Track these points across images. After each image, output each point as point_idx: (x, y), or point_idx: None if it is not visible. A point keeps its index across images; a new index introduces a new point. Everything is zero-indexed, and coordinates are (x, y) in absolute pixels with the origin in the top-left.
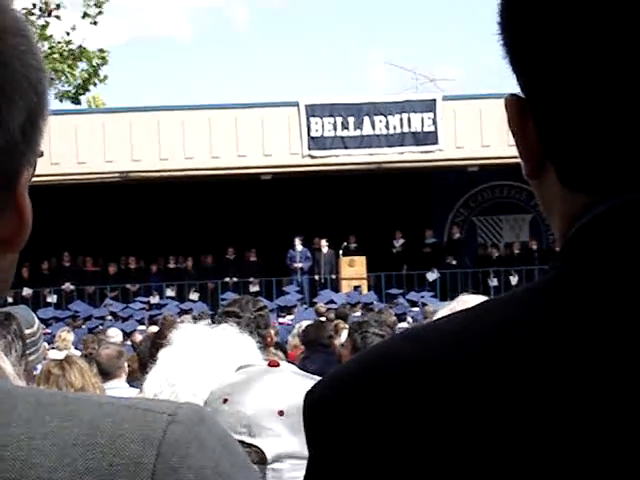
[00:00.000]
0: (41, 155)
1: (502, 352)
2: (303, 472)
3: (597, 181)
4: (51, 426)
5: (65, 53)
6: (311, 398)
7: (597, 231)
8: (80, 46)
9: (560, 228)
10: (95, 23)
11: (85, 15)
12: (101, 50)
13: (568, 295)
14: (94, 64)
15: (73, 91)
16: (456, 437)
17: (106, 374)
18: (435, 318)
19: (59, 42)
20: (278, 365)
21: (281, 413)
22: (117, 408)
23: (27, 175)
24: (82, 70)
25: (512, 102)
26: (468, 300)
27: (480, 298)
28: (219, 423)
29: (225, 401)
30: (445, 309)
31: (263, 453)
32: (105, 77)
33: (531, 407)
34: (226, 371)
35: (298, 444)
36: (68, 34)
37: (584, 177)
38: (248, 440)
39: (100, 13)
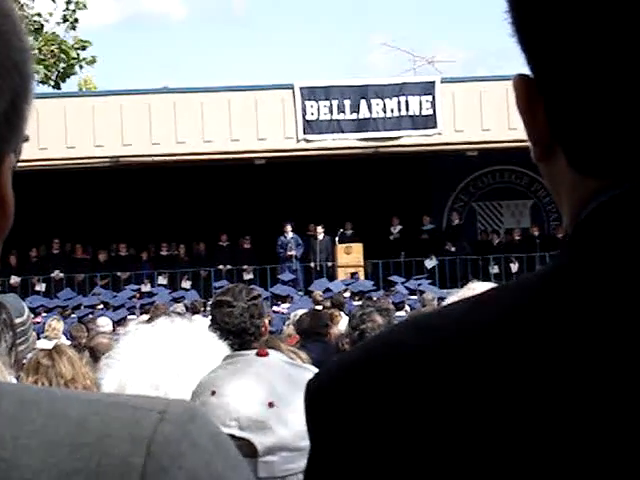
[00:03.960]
0: (27, 140)
1: (505, 341)
2: (295, 464)
3: (608, 165)
4: (37, 424)
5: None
6: (313, 387)
7: (606, 217)
8: (60, 44)
9: (569, 214)
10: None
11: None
12: (81, 40)
13: (575, 284)
14: (74, 56)
15: (54, 79)
16: (460, 426)
17: None
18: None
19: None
20: (267, 354)
21: (271, 405)
22: (105, 406)
23: (9, 162)
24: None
25: (520, 83)
26: (477, 287)
27: (490, 285)
28: (211, 420)
29: (213, 393)
30: (454, 297)
31: (254, 446)
32: (93, 59)
33: (532, 398)
34: (202, 364)
35: (289, 436)
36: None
37: (595, 161)
38: (238, 434)
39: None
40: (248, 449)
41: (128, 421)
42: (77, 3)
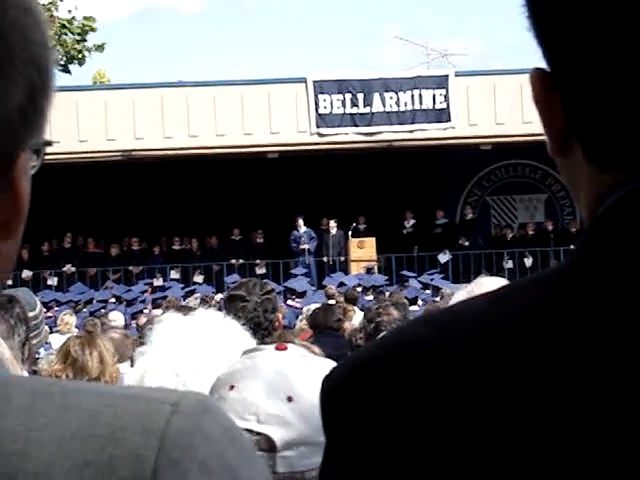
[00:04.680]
0: (50, 144)
1: (525, 341)
2: (315, 459)
3: (625, 160)
4: (49, 417)
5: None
6: (328, 384)
7: (623, 213)
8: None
9: (586, 208)
10: None
11: None
12: (86, 18)
13: (592, 281)
14: (79, 28)
15: (63, 60)
16: (481, 424)
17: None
18: (452, 301)
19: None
20: (286, 349)
21: (290, 399)
22: (118, 398)
23: (26, 159)
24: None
25: (537, 76)
26: (486, 282)
27: (498, 280)
28: (224, 413)
29: (232, 388)
30: (463, 291)
31: (273, 441)
32: (102, 45)
33: (552, 397)
34: (227, 357)
35: (309, 430)
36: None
37: (612, 155)
38: (256, 428)
39: None
40: (267, 444)
41: (141, 413)
42: None
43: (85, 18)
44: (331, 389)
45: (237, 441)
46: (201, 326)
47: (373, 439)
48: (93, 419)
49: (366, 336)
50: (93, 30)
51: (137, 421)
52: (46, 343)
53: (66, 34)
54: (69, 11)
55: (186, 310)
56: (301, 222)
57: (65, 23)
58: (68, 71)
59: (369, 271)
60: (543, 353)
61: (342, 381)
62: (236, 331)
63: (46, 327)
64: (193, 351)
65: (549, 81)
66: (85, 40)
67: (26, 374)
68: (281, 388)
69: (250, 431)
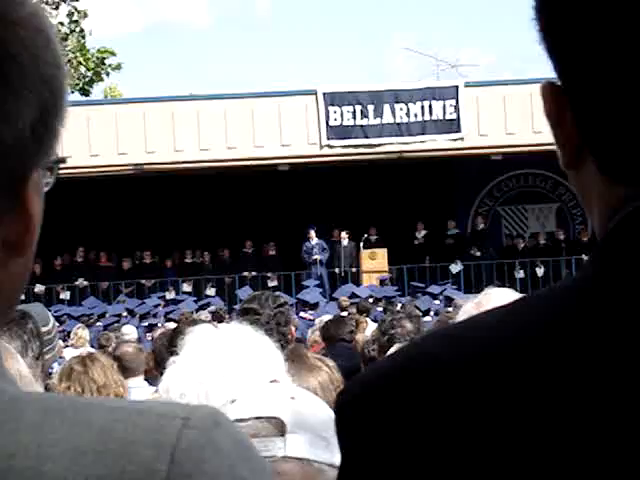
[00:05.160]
0: (63, 161)
1: (540, 356)
2: (321, 452)
3: (639, 172)
4: (61, 432)
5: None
6: (344, 397)
7: (636, 225)
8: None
9: (599, 220)
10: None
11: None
12: (99, 50)
13: (607, 296)
14: (93, 63)
15: (81, 85)
16: (496, 440)
17: (129, 372)
18: (461, 312)
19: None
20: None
21: (292, 398)
22: (129, 413)
23: (37, 177)
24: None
25: (548, 89)
26: (494, 293)
27: (506, 291)
28: (235, 426)
29: (233, 401)
30: (471, 303)
31: (281, 422)
32: (119, 65)
33: (566, 414)
34: (252, 370)
35: (314, 420)
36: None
37: (625, 167)
38: (265, 413)
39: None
40: (276, 427)
41: (152, 428)
42: (79, 12)
43: (99, 51)
44: (346, 403)
45: (248, 454)
46: (231, 338)
47: (388, 454)
48: (105, 434)
49: (379, 348)
50: (113, 54)
51: (148, 435)
52: (60, 357)
53: (85, 74)
54: (82, 36)
55: (200, 323)
56: (313, 233)
57: (81, 60)
58: (88, 93)
59: (382, 282)
60: (558, 369)
61: (357, 396)
62: (266, 345)
63: (60, 342)
64: (219, 360)
65: (560, 94)
66: (104, 64)
67: (42, 390)
68: (282, 390)
69: (259, 418)
